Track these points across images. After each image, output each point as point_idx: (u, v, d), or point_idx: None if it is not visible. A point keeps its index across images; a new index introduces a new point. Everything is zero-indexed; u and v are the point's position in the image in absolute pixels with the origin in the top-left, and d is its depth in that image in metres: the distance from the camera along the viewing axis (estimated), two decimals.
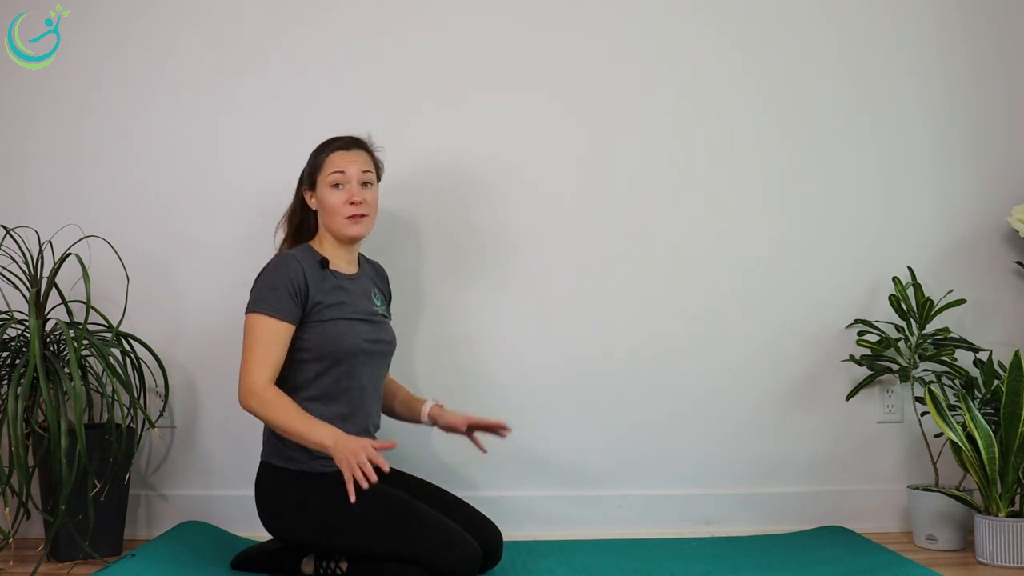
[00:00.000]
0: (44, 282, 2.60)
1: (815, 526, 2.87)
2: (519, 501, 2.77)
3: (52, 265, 2.61)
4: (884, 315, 2.87)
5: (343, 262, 2.47)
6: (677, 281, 2.92)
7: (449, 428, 2.52)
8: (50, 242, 2.66)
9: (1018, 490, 2.55)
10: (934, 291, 2.84)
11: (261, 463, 2.41)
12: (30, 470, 2.47)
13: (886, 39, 2.97)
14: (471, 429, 2.51)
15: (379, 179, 2.53)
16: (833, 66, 2.96)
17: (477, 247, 2.90)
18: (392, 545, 2.20)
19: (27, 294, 2.60)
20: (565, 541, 2.74)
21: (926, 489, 2.72)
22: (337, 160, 2.44)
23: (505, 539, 2.42)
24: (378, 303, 2.51)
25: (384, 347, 2.48)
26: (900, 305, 2.80)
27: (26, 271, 2.61)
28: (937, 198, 2.96)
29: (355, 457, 2.16)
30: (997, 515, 2.51)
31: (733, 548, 2.67)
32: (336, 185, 2.42)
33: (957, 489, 2.63)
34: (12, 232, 2.60)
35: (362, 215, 2.42)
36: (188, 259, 2.87)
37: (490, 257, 2.90)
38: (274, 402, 2.27)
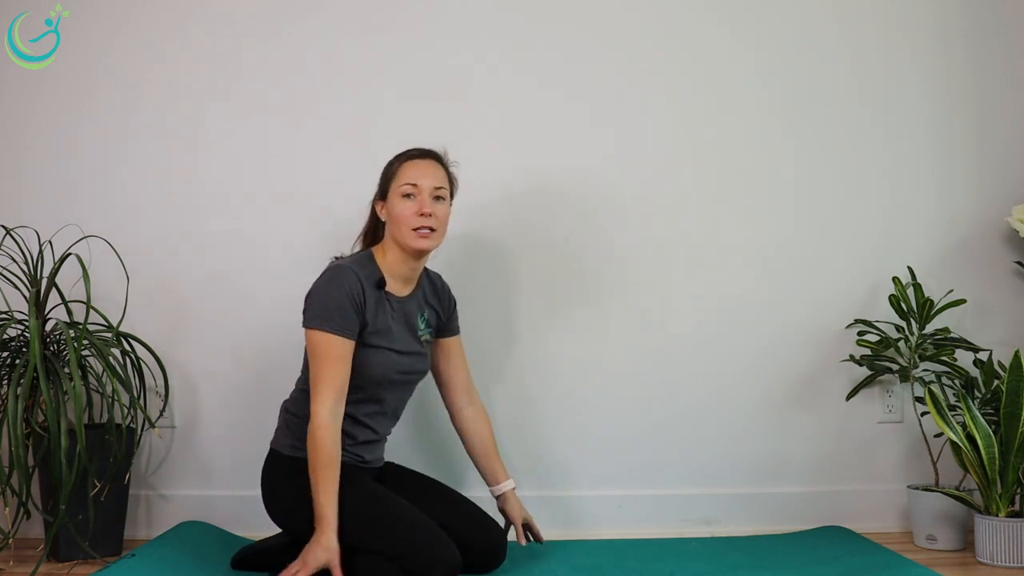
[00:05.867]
0: (44, 282, 2.60)
1: (815, 526, 2.87)
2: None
3: (52, 265, 2.61)
4: (884, 315, 2.87)
5: (400, 280, 2.42)
6: (677, 282, 2.92)
7: (506, 515, 2.53)
8: (50, 242, 2.66)
9: (1018, 490, 2.55)
10: (934, 291, 2.84)
11: (270, 450, 2.42)
12: (30, 470, 2.47)
13: (887, 40, 2.97)
14: (524, 526, 2.53)
15: (453, 196, 2.46)
16: (835, 67, 2.96)
17: (488, 247, 2.90)
18: (374, 540, 2.22)
19: (27, 294, 2.60)
20: (565, 541, 2.74)
21: (926, 489, 2.72)
22: (410, 170, 2.39)
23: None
24: (422, 327, 2.46)
25: (413, 377, 2.47)
26: (900, 305, 2.80)
27: (26, 271, 2.61)
28: (937, 198, 2.96)
29: (315, 562, 2.16)
30: (997, 515, 2.51)
31: (733, 548, 2.67)
32: (408, 196, 2.37)
33: (957, 489, 2.63)
34: (12, 232, 2.60)
35: (430, 228, 2.36)
36: (188, 259, 2.87)
37: (496, 257, 2.90)
38: (325, 452, 2.21)
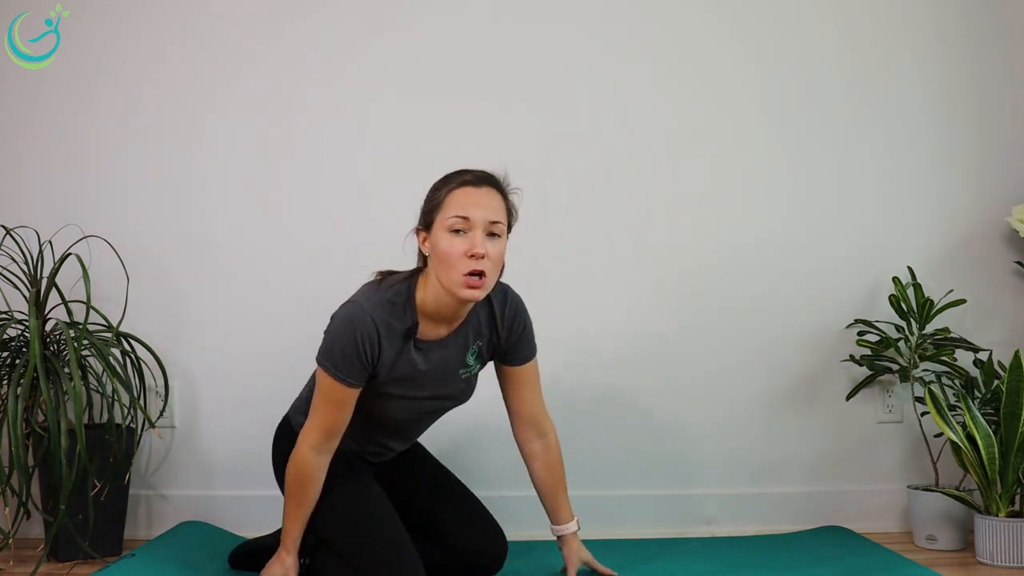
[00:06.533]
0: (44, 282, 2.60)
1: (815, 526, 2.87)
2: (519, 501, 2.76)
3: (52, 265, 2.61)
4: (884, 315, 2.87)
5: (442, 322, 2.12)
6: (677, 281, 2.92)
7: (566, 558, 2.36)
8: (50, 242, 2.66)
9: (1018, 490, 2.55)
10: (934, 291, 2.84)
11: (285, 416, 2.35)
12: (30, 470, 2.47)
13: (887, 39, 2.97)
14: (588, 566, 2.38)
15: (511, 228, 2.11)
16: (834, 66, 2.96)
17: None
18: (342, 543, 2.19)
19: (27, 294, 2.60)
20: None
21: (926, 489, 2.72)
22: (462, 199, 2.01)
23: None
24: (471, 360, 2.20)
25: (436, 416, 2.29)
26: (900, 305, 2.80)
27: (26, 271, 2.61)
28: (937, 198, 2.97)
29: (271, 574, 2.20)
30: (997, 515, 2.51)
31: (733, 548, 2.67)
32: (457, 231, 2.01)
33: (957, 489, 2.63)
34: (12, 232, 2.60)
35: (481, 273, 1.99)
36: (188, 259, 2.87)
37: None
38: (298, 487, 2.15)
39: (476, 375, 2.26)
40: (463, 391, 2.25)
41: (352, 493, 2.22)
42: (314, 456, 2.14)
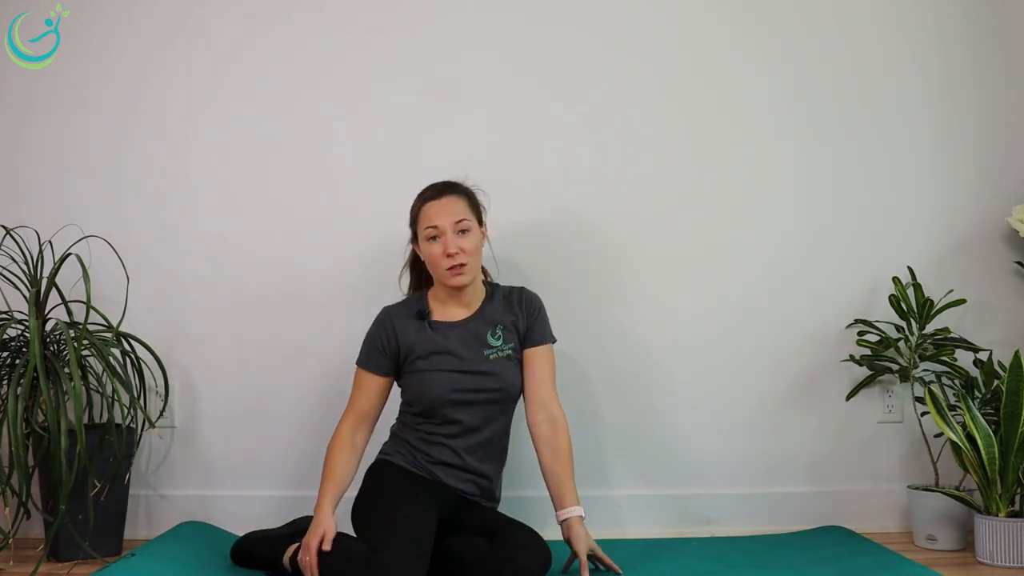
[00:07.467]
0: (44, 282, 2.60)
1: (815, 526, 2.87)
2: (519, 501, 2.77)
3: (52, 265, 2.61)
4: (884, 315, 2.87)
5: (452, 309, 2.46)
6: (677, 282, 2.92)
7: (569, 545, 2.40)
8: (50, 242, 2.66)
9: (1018, 490, 2.55)
10: (934, 291, 2.84)
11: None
12: (30, 470, 2.47)
13: (888, 39, 2.97)
14: (591, 557, 2.40)
15: (481, 220, 2.46)
16: (835, 67, 2.96)
17: (485, 247, 2.89)
18: (363, 529, 2.29)
19: (27, 294, 2.61)
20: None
21: (926, 489, 2.72)
22: (430, 212, 2.40)
23: None
24: (496, 342, 2.45)
25: (482, 396, 2.42)
26: (900, 305, 2.80)
27: (26, 271, 2.61)
28: (937, 198, 2.96)
29: (308, 543, 2.25)
30: (997, 515, 2.51)
31: (733, 548, 2.67)
32: (433, 238, 2.39)
33: (957, 489, 2.63)
34: (12, 232, 2.60)
35: (461, 265, 2.37)
36: (188, 259, 2.88)
37: (494, 257, 2.90)
38: (329, 455, 2.39)
39: (509, 360, 2.45)
40: (497, 373, 2.43)
41: (379, 499, 2.32)
42: (349, 435, 2.41)
